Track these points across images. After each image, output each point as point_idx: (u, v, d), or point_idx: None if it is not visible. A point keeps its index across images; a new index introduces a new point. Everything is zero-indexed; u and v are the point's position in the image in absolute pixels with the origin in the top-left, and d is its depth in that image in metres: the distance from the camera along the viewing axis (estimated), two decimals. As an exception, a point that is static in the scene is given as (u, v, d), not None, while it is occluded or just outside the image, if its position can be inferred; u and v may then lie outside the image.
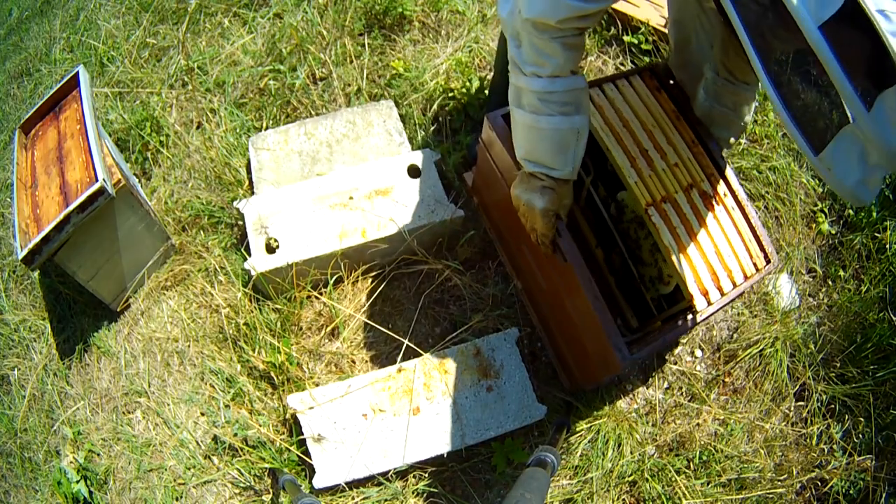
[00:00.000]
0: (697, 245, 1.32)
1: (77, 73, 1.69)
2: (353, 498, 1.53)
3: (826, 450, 1.68)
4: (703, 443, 1.66)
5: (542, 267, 1.53)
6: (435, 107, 2.01)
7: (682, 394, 1.75)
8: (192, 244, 1.91)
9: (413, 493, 1.56)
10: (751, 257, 1.37)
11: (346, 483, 1.50)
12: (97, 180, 1.50)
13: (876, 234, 1.94)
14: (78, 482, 1.62)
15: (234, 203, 1.75)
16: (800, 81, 0.78)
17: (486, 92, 1.98)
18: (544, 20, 1.00)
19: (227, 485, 1.63)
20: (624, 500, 1.61)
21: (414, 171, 1.78)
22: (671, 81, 1.47)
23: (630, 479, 1.61)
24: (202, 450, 1.67)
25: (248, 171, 1.94)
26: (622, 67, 2.15)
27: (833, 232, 2.00)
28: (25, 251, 1.49)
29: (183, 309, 1.84)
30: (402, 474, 1.56)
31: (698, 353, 1.81)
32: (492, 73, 2.00)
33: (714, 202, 1.37)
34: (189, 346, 1.79)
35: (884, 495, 1.61)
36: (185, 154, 2.05)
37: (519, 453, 1.60)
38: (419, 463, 1.54)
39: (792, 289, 1.89)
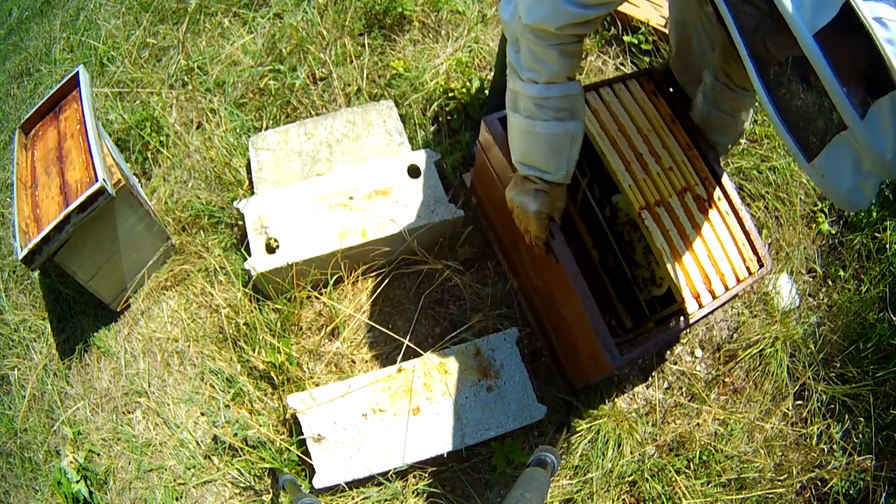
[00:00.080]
0: (690, 248, 1.33)
1: (77, 73, 1.69)
2: (353, 498, 1.53)
3: (826, 450, 1.68)
4: (703, 443, 1.66)
5: (537, 267, 1.54)
6: (435, 107, 2.01)
7: (682, 394, 1.75)
8: (192, 244, 1.91)
9: (413, 493, 1.56)
10: (744, 261, 1.38)
11: (346, 483, 1.50)
12: (97, 180, 1.50)
13: (876, 234, 1.94)
14: (78, 482, 1.62)
15: (234, 203, 1.75)
16: (794, 88, 0.78)
17: (487, 92, 1.98)
18: (544, 27, 1.01)
19: (227, 485, 1.63)
20: (624, 500, 1.61)
21: (414, 171, 1.79)
22: (670, 89, 1.48)
23: (630, 479, 1.61)
24: (202, 450, 1.67)
25: (248, 171, 1.94)
26: (622, 67, 2.15)
27: (833, 232, 2.00)
28: (25, 251, 1.49)
29: (183, 309, 1.84)
30: (402, 474, 1.56)
31: (698, 353, 1.81)
32: (492, 73, 2.01)
33: (708, 206, 1.37)
34: (189, 346, 1.79)
35: (884, 495, 1.61)
36: (185, 154, 2.05)
37: (519, 453, 1.60)
38: (419, 463, 1.54)
39: (792, 289, 1.89)
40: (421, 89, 2.03)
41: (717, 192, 1.39)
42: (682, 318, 1.35)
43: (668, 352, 1.80)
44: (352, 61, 2.10)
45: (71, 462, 1.67)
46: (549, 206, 1.25)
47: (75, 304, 1.90)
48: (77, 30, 2.53)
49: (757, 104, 1.47)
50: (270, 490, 1.60)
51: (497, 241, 1.81)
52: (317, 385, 1.66)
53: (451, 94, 2.01)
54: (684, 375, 1.77)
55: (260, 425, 1.60)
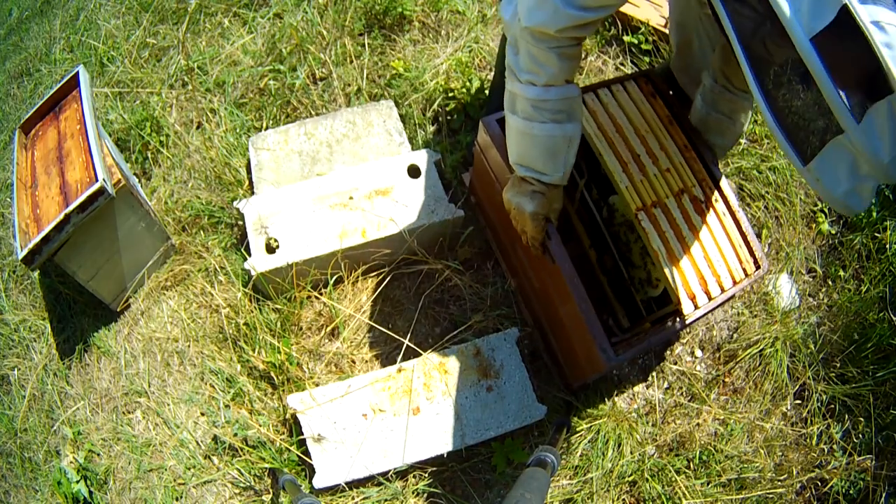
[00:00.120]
0: (686, 249, 1.33)
1: (77, 73, 1.69)
2: (353, 498, 1.54)
3: (826, 450, 1.68)
4: (703, 443, 1.66)
5: (534, 267, 1.55)
6: (435, 107, 2.01)
7: (682, 394, 1.75)
8: (192, 244, 1.91)
9: (413, 493, 1.56)
10: (740, 262, 1.38)
11: (346, 483, 1.50)
12: (97, 180, 1.50)
13: (876, 234, 1.94)
14: (78, 482, 1.62)
15: (234, 203, 1.75)
16: (790, 91, 0.78)
17: (487, 92, 1.98)
18: (543, 29, 1.01)
19: (227, 485, 1.63)
20: (624, 500, 1.61)
21: (414, 171, 1.79)
22: (669, 91, 1.48)
23: (630, 479, 1.61)
24: (202, 450, 1.67)
25: (248, 171, 1.94)
26: (622, 67, 2.15)
27: (833, 232, 2.00)
28: (25, 251, 1.49)
29: (183, 309, 1.84)
30: (402, 474, 1.56)
31: (698, 352, 1.81)
32: (492, 73, 2.01)
33: (705, 207, 1.38)
34: (189, 346, 1.79)
35: (884, 495, 1.61)
36: (185, 154, 2.05)
37: (519, 453, 1.60)
38: (419, 463, 1.54)
39: (792, 289, 1.89)
40: (421, 89, 2.03)
41: (715, 194, 1.39)
42: (678, 319, 1.35)
43: (668, 352, 1.80)
44: (352, 61, 2.10)
45: (71, 462, 1.67)
46: (546, 207, 1.26)
47: (75, 304, 1.90)
48: (77, 30, 2.53)
49: (755, 106, 1.47)
50: (270, 490, 1.60)
51: (496, 242, 1.82)
52: (317, 385, 1.66)
53: (451, 95, 2.01)
54: (684, 375, 1.77)
55: (260, 425, 1.60)
